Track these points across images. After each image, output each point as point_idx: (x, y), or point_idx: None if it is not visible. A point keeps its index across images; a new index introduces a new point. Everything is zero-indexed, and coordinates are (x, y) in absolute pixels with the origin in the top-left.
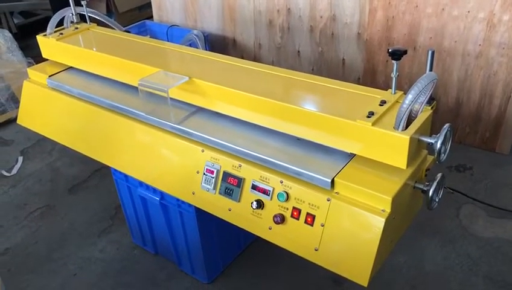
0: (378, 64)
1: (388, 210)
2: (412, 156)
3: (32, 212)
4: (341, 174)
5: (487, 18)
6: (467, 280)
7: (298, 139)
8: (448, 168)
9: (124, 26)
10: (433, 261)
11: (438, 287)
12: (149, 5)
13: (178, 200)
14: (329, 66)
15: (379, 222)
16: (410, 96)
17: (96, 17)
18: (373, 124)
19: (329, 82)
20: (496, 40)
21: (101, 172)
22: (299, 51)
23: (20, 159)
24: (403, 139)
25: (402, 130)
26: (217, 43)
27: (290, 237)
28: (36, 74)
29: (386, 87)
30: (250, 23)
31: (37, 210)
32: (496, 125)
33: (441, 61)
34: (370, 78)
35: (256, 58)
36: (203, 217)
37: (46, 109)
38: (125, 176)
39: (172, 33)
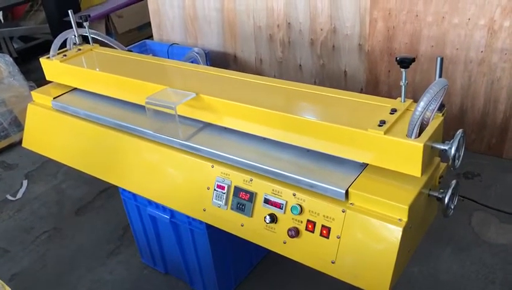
0: (381, 74)
1: (405, 219)
2: (425, 164)
3: (39, 236)
4: (355, 185)
5: (488, 25)
6: (484, 289)
7: (308, 150)
8: (456, 175)
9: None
10: (448, 271)
11: None
12: (148, 24)
13: (188, 217)
14: (331, 79)
15: (396, 232)
16: (422, 104)
17: (99, 38)
18: (385, 133)
19: (337, 93)
20: (498, 46)
21: (106, 193)
22: (300, 65)
23: (25, 182)
24: (416, 146)
25: (415, 138)
26: (218, 60)
27: (306, 251)
28: (40, 97)
29: (389, 97)
30: (251, 39)
31: (44, 234)
32: (501, 131)
33: (444, 69)
34: (372, 88)
35: (257, 74)
36: (215, 234)
37: (51, 131)
38: (134, 195)
39: (173, 51)
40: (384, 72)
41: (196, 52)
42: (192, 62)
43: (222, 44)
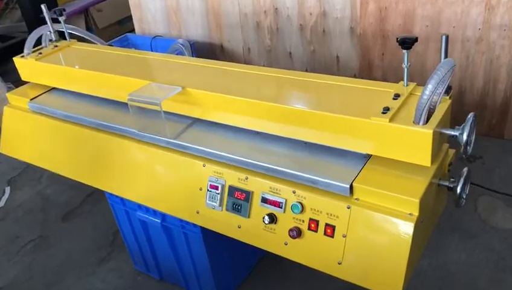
0: (374, 58)
1: (416, 213)
2: (435, 152)
3: (25, 245)
4: (359, 178)
5: (485, 0)
6: (495, 276)
7: (306, 143)
8: (457, 159)
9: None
10: (457, 260)
11: (466, 288)
12: (130, 18)
13: (181, 221)
14: (323, 65)
15: (408, 227)
16: (430, 87)
17: (76, 33)
18: (390, 121)
19: (334, 79)
20: (496, 22)
21: (94, 196)
22: (290, 52)
23: (7, 189)
24: (425, 134)
25: (423, 124)
26: (204, 51)
27: (309, 252)
28: (16, 98)
29: (384, 81)
30: (237, 28)
31: (29, 243)
32: (502, 111)
33: (440, 50)
34: (367, 73)
35: (246, 64)
36: (210, 237)
37: (30, 135)
38: (122, 199)
39: (157, 44)
40: (377, 55)
41: (181, 44)
42: (177, 54)
43: (207, 34)
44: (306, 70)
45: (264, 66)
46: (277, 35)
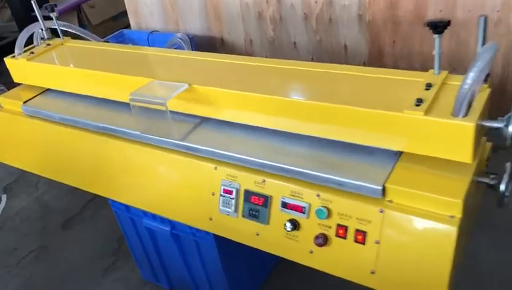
0: (385, 45)
1: (459, 215)
2: (476, 147)
3: (24, 257)
4: (392, 178)
5: None
6: None
7: (327, 141)
8: None
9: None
10: (489, 260)
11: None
12: (124, 13)
13: (192, 228)
14: (330, 55)
15: (450, 232)
16: (472, 75)
17: (69, 30)
18: (426, 113)
19: (357, 70)
20: None
21: (95, 201)
22: (295, 42)
23: (4, 197)
24: (467, 127)
25: (463, 117)
26: (203, 45)
27: (338, 261)
28: (9, 102)
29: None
30: (238, 19)
31: (29, 254)
32: None
33: (455, 35)
34: (376, 61)
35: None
36: (224, 244)
37: (24, 140)
38: (126, 206)
39: (154, 39)
40: (388, 42)
41: (179, 38)
42: (176, 49)
43: (206, 27)
44: (312, 60)
45: (267, 58)
46: (280, 25)
